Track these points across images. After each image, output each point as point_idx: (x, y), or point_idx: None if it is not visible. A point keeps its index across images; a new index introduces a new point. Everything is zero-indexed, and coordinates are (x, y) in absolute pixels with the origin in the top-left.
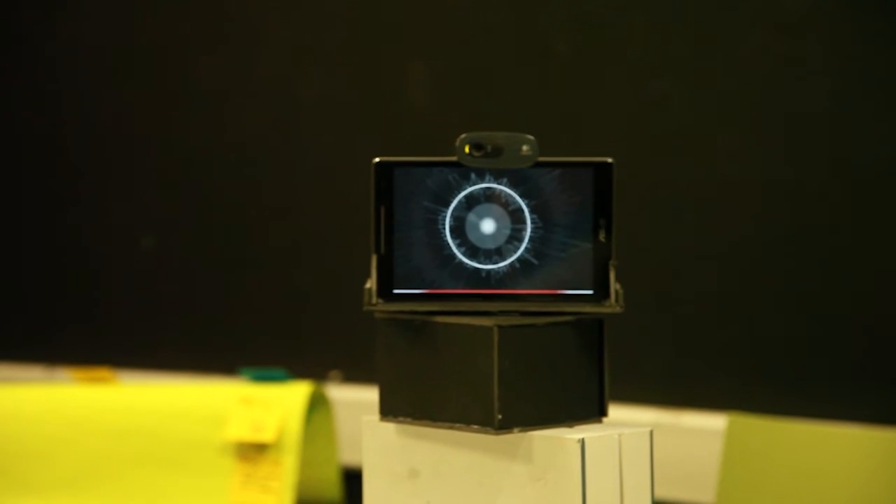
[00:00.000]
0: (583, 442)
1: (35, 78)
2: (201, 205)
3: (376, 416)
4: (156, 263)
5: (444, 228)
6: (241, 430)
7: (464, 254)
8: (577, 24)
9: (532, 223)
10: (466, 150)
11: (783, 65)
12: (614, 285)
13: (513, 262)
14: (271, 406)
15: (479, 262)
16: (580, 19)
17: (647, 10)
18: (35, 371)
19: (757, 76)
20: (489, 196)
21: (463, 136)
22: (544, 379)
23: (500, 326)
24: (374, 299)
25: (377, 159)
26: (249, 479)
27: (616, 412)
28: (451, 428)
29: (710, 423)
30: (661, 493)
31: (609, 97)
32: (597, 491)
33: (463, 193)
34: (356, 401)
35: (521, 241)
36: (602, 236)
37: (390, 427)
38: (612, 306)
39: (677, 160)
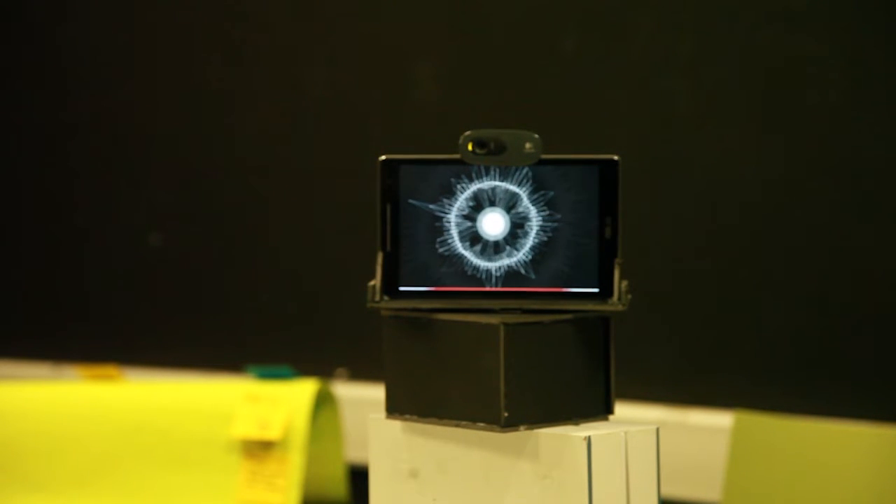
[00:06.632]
0: (589, 440)
1: (40, 76)
2: (208, 202)
3: (382, 413)
4: (162, 261)
5: (450, 226)
6: (248, 427)
7: (469, 251)
8: (583, 23)
9: (537, 221)
10: (469, 147)
11: (790, 63)
12: (619, 283)
13: (518, 259)
14: (278, 404)
15: (485, 260)
16: (587, 17)
17: (654, 7)
18: (42, 369)
19: (763, 74)
20: (494, 194)
21: (466, 133)
22: (550, 377)
23: (506, 324)
24: (378, 297)
25: (383, 157)
26: (256, 476)
27: (622, 410)
28: (457, 426)
29: (717, 421)
30: (667, 490)
31: (615, 95)
32: (603, 488)
33: (468, 191)
34: (362, 398)
35: (526, 238)
36: (608, 234)
37: (396, 425)
38: (616, 305)
39: (683, 158)
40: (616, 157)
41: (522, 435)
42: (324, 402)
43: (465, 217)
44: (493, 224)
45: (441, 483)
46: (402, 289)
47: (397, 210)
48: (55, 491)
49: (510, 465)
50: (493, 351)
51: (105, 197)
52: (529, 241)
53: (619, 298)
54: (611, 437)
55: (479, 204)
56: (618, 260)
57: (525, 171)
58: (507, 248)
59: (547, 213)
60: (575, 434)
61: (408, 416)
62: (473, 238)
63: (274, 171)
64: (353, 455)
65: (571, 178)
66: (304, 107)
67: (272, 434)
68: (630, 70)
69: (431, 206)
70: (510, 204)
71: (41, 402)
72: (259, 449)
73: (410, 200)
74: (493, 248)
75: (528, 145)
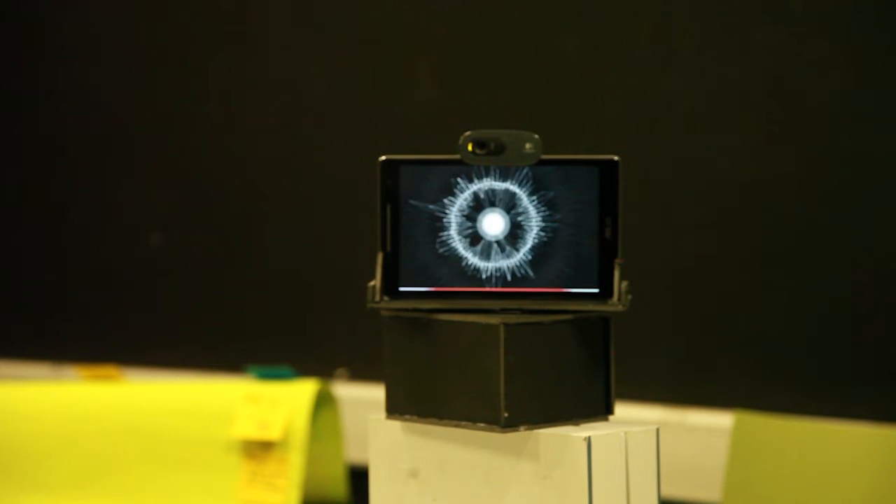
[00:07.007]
0: (589, 440)
1: (41, 75)
2: (208, 203)
3: (383, 414)
4: (162, 261)
5: (450, 226)
6: (248, 427)
7: (469, 251)
8: (583, 23)
9: (537, 221)
10: (469, 148)
11: (790, 62)
12: (619, 283)
13: (518, 260)
14: (278, 404)
15: (485, 260)
16: (587, 17)
17: (654, 7)
18: (42, 369)
19: (763, 73)
20: (495, 194)
21: (466, 133)
22: (550, 377)
23: (506, 324)
24: (378, 297)
25: (383, 157)
26: (256, 476)
27: (622, 410)
28: (457, 426)
29: (717, 421)
30: (667, 491)
31: (615, 95)
32: (603, 489)
33: (468, 191)
34: (362, 399)
35: (526, 239)
36: (608, 234)
37: (396, 425)
38: (616, 305)
39: (683, 158)
40: (616, 158)
41: (522, 435)
42: (324, 403)
43: (465, 217)
44: (493, 224)
45: (441, 483)
46: (402, 289)
47: (397, 210)
48: (55, 491)
49: (510, 465)
50: (493, 351)
51: (105, 197)
52: (529, 242)
53: (619, 298)
54: (611, 438)
55: (478, 204)
56: (618, 260)
57: (525, 171)
58: (507, 248)
59: (547, 213)
60: (575, 434)
61: (408, 417)
62: (473, 238)
63: (274, 171)
64: (353, 455)
65: (571, 178)
66: (304, 107)
67: (272, 434)
68: (630, 70)
69: (431, 207)
70: (510, 204)
71: (41, 402)
72: (259, 449)
73: (410, 201)
74: (493, 249)
75: (527, 146)
